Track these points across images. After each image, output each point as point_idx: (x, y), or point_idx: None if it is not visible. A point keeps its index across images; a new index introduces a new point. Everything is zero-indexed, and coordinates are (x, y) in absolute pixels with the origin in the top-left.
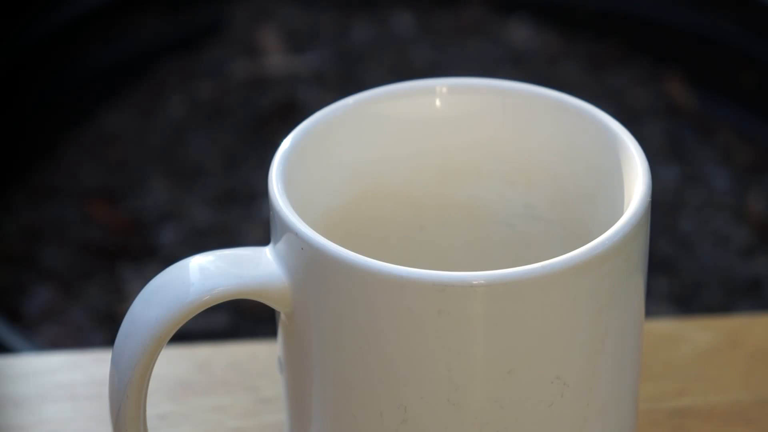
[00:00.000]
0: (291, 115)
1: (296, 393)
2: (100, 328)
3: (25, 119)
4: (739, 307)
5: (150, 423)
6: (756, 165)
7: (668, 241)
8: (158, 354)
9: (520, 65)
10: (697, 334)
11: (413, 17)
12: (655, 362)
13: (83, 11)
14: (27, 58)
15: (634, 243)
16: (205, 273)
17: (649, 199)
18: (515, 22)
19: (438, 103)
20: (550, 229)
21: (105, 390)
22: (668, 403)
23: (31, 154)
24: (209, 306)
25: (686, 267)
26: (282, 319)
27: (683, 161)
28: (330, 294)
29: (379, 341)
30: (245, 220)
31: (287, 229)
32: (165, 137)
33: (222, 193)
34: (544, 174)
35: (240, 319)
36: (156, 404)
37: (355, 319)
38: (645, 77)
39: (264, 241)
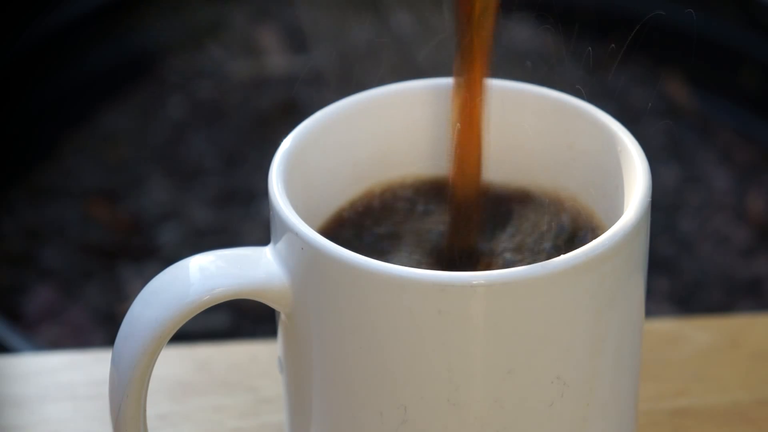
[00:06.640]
0: (291, 115)
1: (296, 393)
2: (100, 328)
3: (25, 119)
4: (739, 307)
5: (150, 423)
6: (756, 165)
7: (668, 241)
8: (158, 354)
9: (521, 65)
10: (697, 334)
11: (413, 17)
12: (655, 362)
13: (83, 11)
14: (27, 57)
15: (634, 243)
16: (205, 273)
17: (649, 199)
18: (515, 22)
19: (438, 103)
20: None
21: (105, 390)
22: (668, 403)
23: (31, 154)
24: (209, 306)
25: (686, 267)
26: (282, 319)
27: (683, 161)
28: (330, 294)
29: (379, 341)
30: (245, 220)
31: (287, 229)
32: (165, 137)
33: (222, 193)
34: (544, 174)
35: (240, 319)
36: (156, 404)
37: (355, 319)
38: (645, 77)
39: (264, 241)
